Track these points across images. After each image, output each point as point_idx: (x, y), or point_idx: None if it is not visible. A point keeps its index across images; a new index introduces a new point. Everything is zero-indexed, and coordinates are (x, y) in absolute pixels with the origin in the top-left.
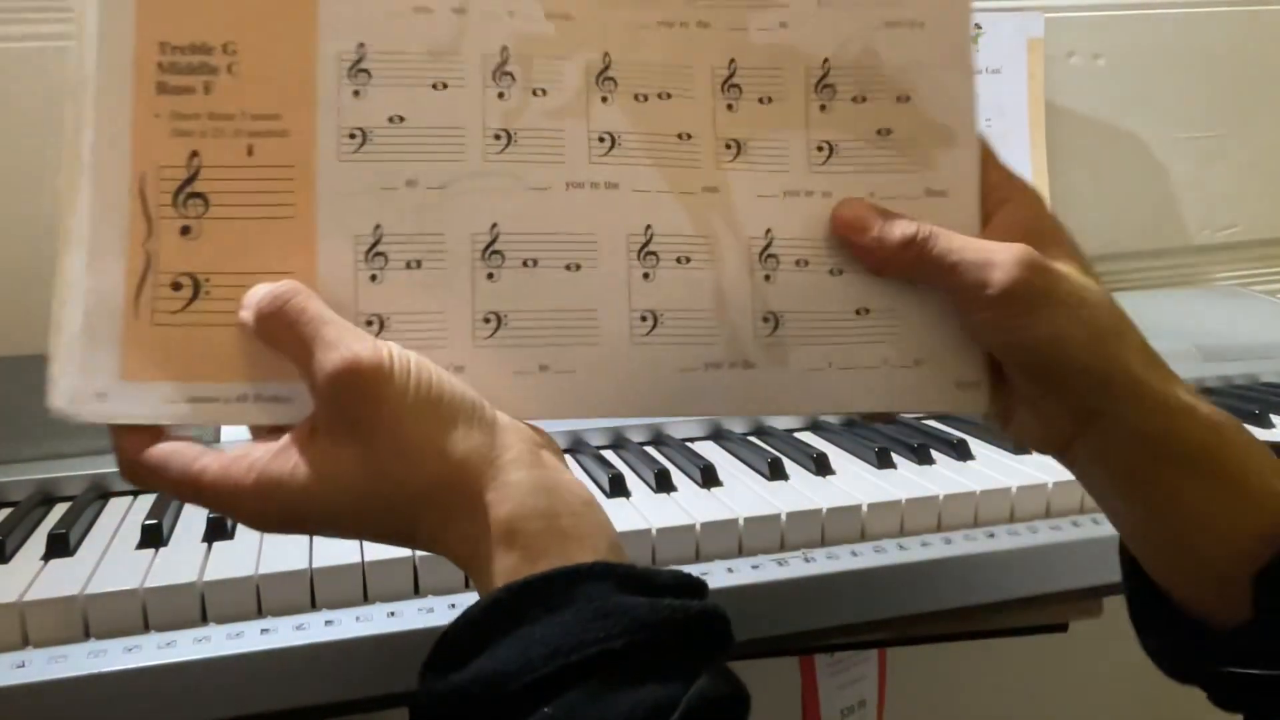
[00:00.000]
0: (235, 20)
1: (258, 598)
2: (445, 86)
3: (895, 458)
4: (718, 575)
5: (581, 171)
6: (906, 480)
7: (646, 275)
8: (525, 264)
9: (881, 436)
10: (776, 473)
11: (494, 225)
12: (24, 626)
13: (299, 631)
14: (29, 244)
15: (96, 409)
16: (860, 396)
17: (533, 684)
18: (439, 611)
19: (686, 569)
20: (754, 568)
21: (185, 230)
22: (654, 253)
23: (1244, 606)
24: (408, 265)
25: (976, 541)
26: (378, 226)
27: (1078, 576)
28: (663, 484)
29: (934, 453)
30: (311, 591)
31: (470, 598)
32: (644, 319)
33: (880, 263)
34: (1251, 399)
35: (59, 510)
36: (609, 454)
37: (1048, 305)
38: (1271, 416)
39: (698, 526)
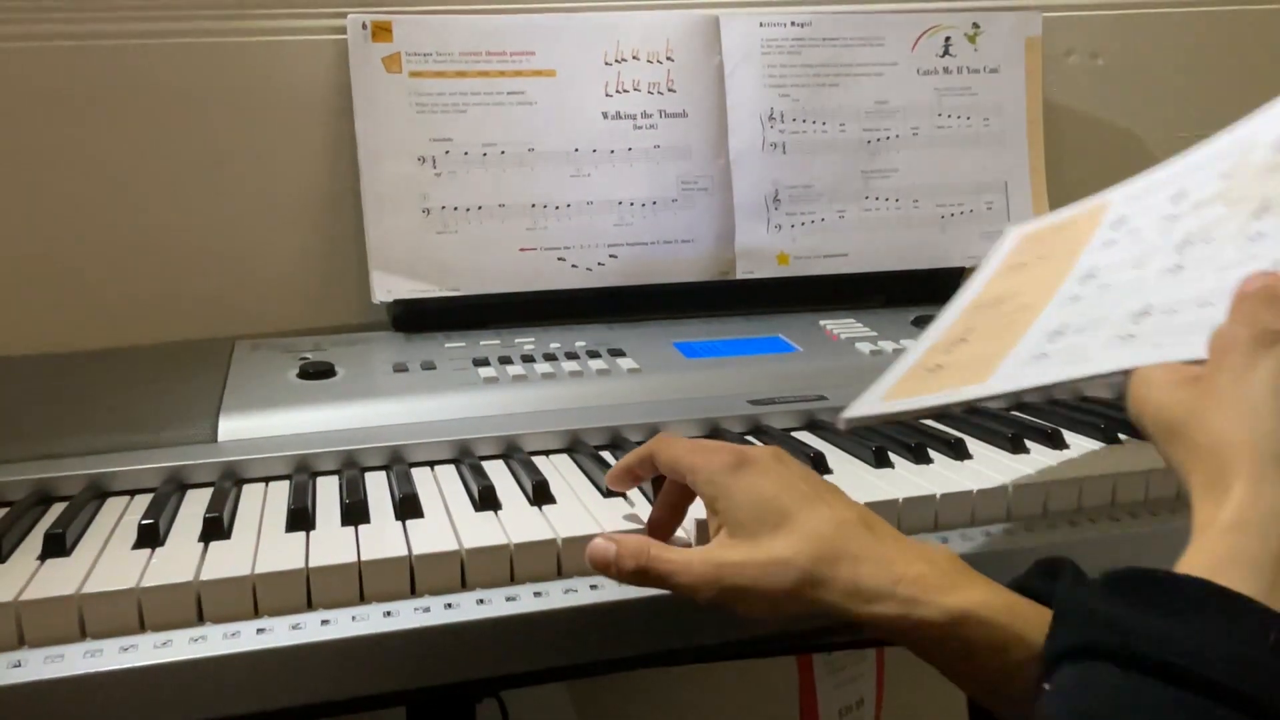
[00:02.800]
0: None
1: (254, 597)
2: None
3: (892, 457)
4: None
5: None
6: (904, 479)
7: None
8: None
9: (879, 435)
10: None
11: None
12: (20, 626)
13: (295, 631)
14: (28, 245)
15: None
16: None
17: None
18: (435, 611)
19: None
20: None
21: None
22: None
23: None
24: None
25: (974, 540)
26: None
27: None
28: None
29: (931, 452)
30: (308, 591)
31: (465, 598)
32: None
33: None
34: None
35: (56, 510)
36: (606, 454)
37: None
38: None
39: (695, 526)
